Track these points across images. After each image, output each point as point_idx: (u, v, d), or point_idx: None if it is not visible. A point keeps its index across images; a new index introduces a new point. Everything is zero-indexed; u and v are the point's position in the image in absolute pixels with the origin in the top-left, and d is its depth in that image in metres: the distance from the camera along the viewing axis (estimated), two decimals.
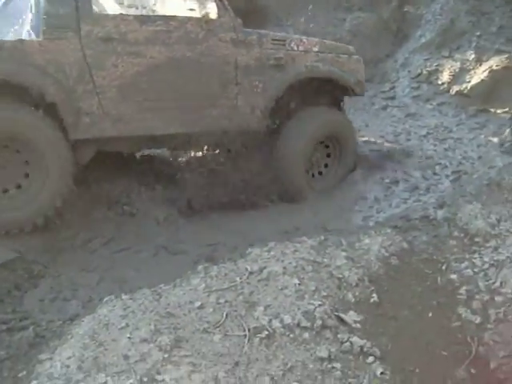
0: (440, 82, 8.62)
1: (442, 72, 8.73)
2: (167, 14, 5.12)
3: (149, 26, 5.02)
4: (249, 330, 3.54)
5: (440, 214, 5.03)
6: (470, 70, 8.49)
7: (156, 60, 5.03)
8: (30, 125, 4.54)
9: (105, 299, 3.97)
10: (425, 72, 8.89)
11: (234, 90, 5.48)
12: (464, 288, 4.12)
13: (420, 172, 6.55)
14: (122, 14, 4.96)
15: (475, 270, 4.28)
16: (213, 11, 5.28)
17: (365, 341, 3.56)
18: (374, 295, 3.98)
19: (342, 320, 3.73)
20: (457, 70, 8.56)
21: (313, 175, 6.25)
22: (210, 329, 3.55)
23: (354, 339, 3.56)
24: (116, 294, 4.05)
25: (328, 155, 6.31)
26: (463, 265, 4.34)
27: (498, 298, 3.99)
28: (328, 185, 6.21)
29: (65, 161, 4.76)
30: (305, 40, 6.06)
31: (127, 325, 3.55)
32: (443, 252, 4.52)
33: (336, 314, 3.75)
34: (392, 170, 6.58)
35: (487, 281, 4.16)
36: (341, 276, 4.09)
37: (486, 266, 4.30)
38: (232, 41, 5.41)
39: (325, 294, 3.92)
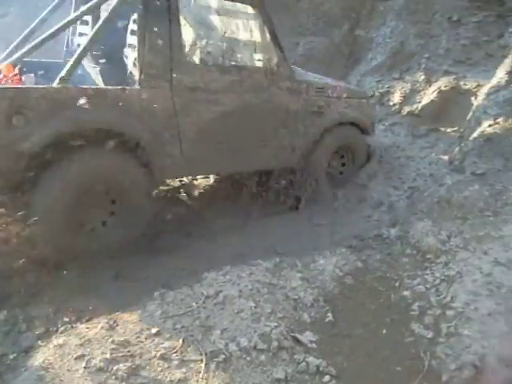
0: (391, 103, 8.83)
1: (393, 93, 8.96)
2: (239, 64, 5.49)
3: (226, 75, 5.38)
4: (206, 355, 3.55)
5: (393, 232, 5.17)
6: (420, 91, 8.73)
7: (228, 107, 5.39)
8: (124, 170, 4.82)
9: (60, 329, 3.94)
10: (377, 94, 9.10)
11: (283, 132, 5.97)
12: (416, 304, 4.23)
13: (381, 189, 6.68)
14: (207, 64, 5.27)
15: (427, 285, 4.40)
16: (274, 61, 5.71)
17: (320, 360, 3.62)
18: (329, 315, 4.05)
19: (298, 341, 3.78)
20: (407, 91, 8.80)
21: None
22: (167, 355, 3.56)
23: (310, 359, 3.61)
24: (72, 324, 4.03)
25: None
26: (415, 281, 4.46)
27: (449, 312, 4.10)
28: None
29: (149, 200, 5.05)
30: (338, 87, 6.58)
31: (83, 354, 3.53)
32: (396, 269, 4.64)
33: (292, 334, 3.80)
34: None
35: (438, 296, 4.28)
36: (296, 297, 4.15)
37: (438, 281, 4.42)
38: (287, 89, 5.89)
39: (281, 315, 3.98)
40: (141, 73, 4.86)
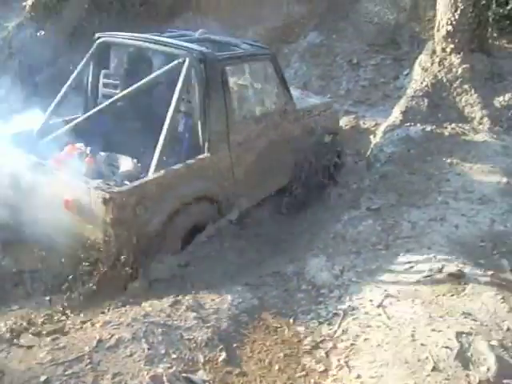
0: None
1: None
2: (264, 111, 6.48)
3: (259, 124, 6.34)
4: None
5: (290, 268, 5.27)
6: None
7: (261, 148, 6.33)
8: (211, 215, 5.78)
9: None
10: None
11: (290, 155, 6.88)
12: (309, 338, 4.32)
13: None
14: (246, 119, 6.23)
15: (320, 320, 4.51)
16: (284, 101, 6.72)
17: None
18: (223, 353, 4.06)
19: (191, 381, 3.77)
20: None
21: None
22: None
23: None
24: None
25: None
26: (309, 316, 4.56)
27: (340, 345, 4.22)
28: None
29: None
30: (320, 105, 7.65)
31: None
32: (292, 305, 4.73)
33: (184, 375, 3.79)
34: None
35: (330, 329, 4.40)
36: (191, 337, 4.15)
37: (330, 315, 4.54)
38: (293, 120, 6.86)
39: (175, 356, 3.95)
40: (208, 141, 5.65)
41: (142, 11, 10.45)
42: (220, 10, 10.53)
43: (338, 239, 5.62)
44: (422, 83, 8.85)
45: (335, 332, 4.35)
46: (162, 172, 5.17)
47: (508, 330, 4.35)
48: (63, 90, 6.17)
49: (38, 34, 9.03)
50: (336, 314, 4.53)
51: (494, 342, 4.20)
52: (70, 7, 9.50)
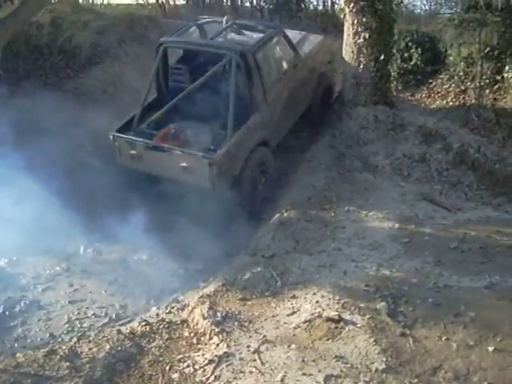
0: None
1: None
2: (284, 70, 8.78)
3: (281, 82, 8.63)
4: None
5: (178, 315, 5.35)
6: None
7: (285, 97, 8.67)
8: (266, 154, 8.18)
9: None
10: None
11: (303, 91, 9.14)
12: None
13: None
14: (274, 82, 8.52)
15: (196, 367, 4.60)
16: (293, 57, 8.95)
17: None
18: None
19: None
20: None
21: None
22: None
23: None
24: None
25: None
26: (185, 363, 4.65)
27: None
28: None
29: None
30: (316, 46, 9.74)
31: None
32: (171, 353, 4.81)
33: None
34: None
35: (204, 376, 4.48)
36: None
37: (206, 362, 4.63)
38: (300, 66, 9.03)
39: None
40: (255, 105, 7.98)
41: (60, 60, 10.56)
42: (139, 60, 10.73)
43: (228, 286, 5.74)
44: (329, 133, 9.22)
45: (208, 379, 4.44)
46: (236, 135, 7.55)
47: (376, 371, 4.55)
48: (147, 86, 8.20)
49: None
50: (212, 361, 4.62)
51: None
52: None
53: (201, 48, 8.48)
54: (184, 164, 7.37)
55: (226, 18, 8.94)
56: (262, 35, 8.48)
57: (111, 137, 7.83)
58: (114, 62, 10.76)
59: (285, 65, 8.80)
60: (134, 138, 7.77)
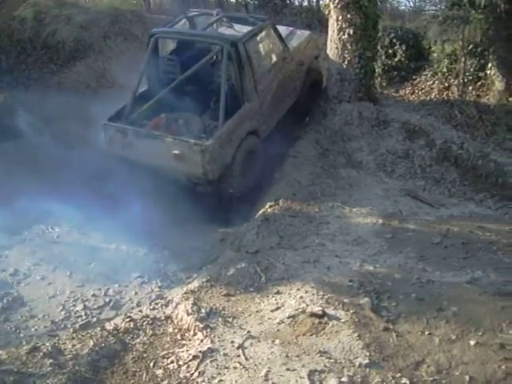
0: None
1: None
2: (273, 62, 8.90)
3: (270, 73, 8.74)
4: None
5: (162, 312, 5.35)
6: None
7: (274, 89, 8.76)
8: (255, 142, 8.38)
9: None
10: None
11: (291, 84, 9.30)
12: (165, 382, 4.40)
13: None
14: (264, 73, 8.59)
15: (180, 363, 4.60)
16: (282, 50, 9.04)
17: None
18: None
19: None
20: None
21: None
22: None
23: None
24: None
25: None
26: (169, 359, 4.64)
27: None
28: None
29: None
30: (304, 40, 9.81)
31: None
32: (155, 349, 4.81)
33: None
34: None
35: (188, 372, 4.49)
36: None
37: (190, 357, 4.64)
38: (289, 60, 9.13)
39: None
40: (246, 95, 8.12)
41: (43, 55, 10.48)
42: (123, 56, 10.68)
43: (212, 282, 5.74)
44: (313, 129, 9.25)
45: (192, 374, 4.45)
46: (227, 124, 7.71)
47: (359, 365, 4.58)
48: (139, 77, 8.22)
49: None
50: (196, 357, 4.63)
51: (344, 379, 4.41)
52: None
53: (192, 38, 8.67)
54: (176, 151, 7.50)
55: (216, 10, 9.17)
56: (252, 27, 8.63)
57: (102, 125, 7.92)
58: (97, 57, 10.71)
59: (274, 57, 8.95)
60: (125, 125, 7.91)
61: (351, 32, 9.04)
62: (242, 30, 8.65)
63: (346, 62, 9.25)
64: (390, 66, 10.48)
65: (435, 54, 10.27)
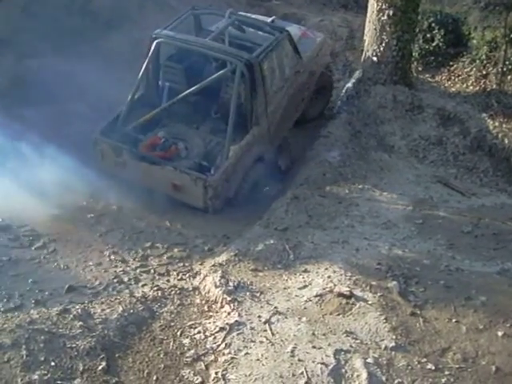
0: None
1: None
2: (286, 77, 8.07)
3: (282, 90, 7.99)
4: None
5: (190, 283, 5.38)
6: None
7: (283, 105, 8.03)
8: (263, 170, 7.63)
9: None
10: None
11: (300, 96, 8.53)
12: (192, 351, 4.44)
13: None
14: (276, 91, 7.82)
15: (206, 333, 4.64)
16: (296, 63, 8.23)
17: None
18: (103, 363, 4.15)
19: None
20: None
21: None
22: None
23: None
24: None
25: None
26: (196, 330, 4.69)
27: (220, 359, 4.35)
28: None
29: None
30: (316, 46, 8.95)
31: None
32: (183, 319, 4.85)
33: (59, 383, 3.84)
34: None
35: (215, 343, 4.52)
36: (73, 346, 4.22)
37: (217, 329, 4.67)
38: (301, 72, 8.37)
39: (53, 364, 4.02)
40: (255, 117, 7.35)
41: (79, 22, 10.45)
42: (158, 27, 10.62)
43: (240, 256, 5.75)
44: (346, 110, 9.15)
45: (218, 346, 4.48)
46: (233, 153, 7.02)
47: (385, 348, 4.58)
48: (136, 83, 7.47)
49: None
50: (223, 329, 4.66)
51: (369, 360, 4.42)
52: (2, 15, 9.45)
53: (201, 49, 7.50)
54: (176, 182, 6.89)
55: (228, 11, 8.14)
56: (268, 39, 7.76)
57: (93, 140, 7.21)
58: (133, 27, 10.63)
59: (287, 72, 8.15)
60: (120, 144, 7.15)
61: (391, 13, 8.87)
62: (256, 37, 7.91)
63: (383, 44, 9.10)
64: (428, 50, 10.25)
65: (474, 41, 10.02)
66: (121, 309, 4.74)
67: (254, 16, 8.93)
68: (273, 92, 7.72)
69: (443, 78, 10.11)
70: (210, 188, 6.82)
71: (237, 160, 7.09)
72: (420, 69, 10.21)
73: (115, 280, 5.45)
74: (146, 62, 7.50)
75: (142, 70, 7.49)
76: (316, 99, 9.18)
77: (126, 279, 5.48)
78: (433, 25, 10.30)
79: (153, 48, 7.49)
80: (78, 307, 4.68)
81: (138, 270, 5.69)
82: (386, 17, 8.92)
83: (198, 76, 7.44)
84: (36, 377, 3.83)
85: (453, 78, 10.05)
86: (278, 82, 7.90)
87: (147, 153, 7.13)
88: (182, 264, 5.85)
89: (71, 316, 4.51)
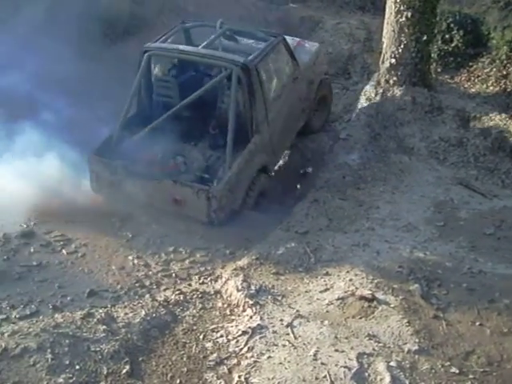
0: None
1: None
2: (283, 83, 7.80)
3: (281, 97, 7.71)
4: None
5: (211, 286, 5.40)
6: None
7: (284, 114, 7.77)
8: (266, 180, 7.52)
9: None
10: None
11: (301, 105, 8.34)
12: (215, 355, 4.45)
13: None
14: (275, 98, 7.57)
15: (229, 337, 4.65)
16: (292, 69, 8.02)
17: None
18: (127, 366, 4.18)
19: None
20: None
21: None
22: None
23: None
24: None
25: None
26: (219, 333, 4.70)
27: (243, 362, 4.36)
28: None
29: None
30: (313, 55, 8.80)
31: None
32: (205, 322, 4.87)
33: None
34: None
35: (237, 347, 4.53)
36: (98, 349, 4.26)
37: (239, 333, 4.68)
38: (299, 78, 8.16)
39: (78, 367, 4.06)
40: (256, 125, 7.08)
41: (97, 28, 10.55)
42: (176, 33, 10.68)
43: (262, 260, 5.76)
44: (365, 112, 9.13)
45: (241, 349, 4.49)
46: (236, 163, 6.70)
47: (408, 351, 4.56)
48: (128, 100, 7.16)
49: None
50: (245, 332, 4.67)
51: (392, 363, 4.40)
52: (22, 21, 9.58)
53: (194, 58, 7.26)
54: (177, 196, 6.57)
55: (219, 22, 7.76)
56: (262, 44, 7.55)
57: (87, 159, 6.91)
58: (150, 33, 10.68)
59: (285, 78, 7.89)
60: (115, 161, 6.81)
61: (409, 15, 8.82)
62: (250, 46, 7.72)
63: (401, 46, 9.05)
64: (446, 51, 10.18)
65: (494, 41, 9.92)
66: (143, 313, 4.77)
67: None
68: (272, 98, 7.46)
69: (463, 78, 10.04)
70: (214, 199, 6.48)
71: (239, 170, 6.78)
72: (439, 70, 10.13)
73: (137, 284, 5.48)
74: (137, 77, 7.20)
75: (134, 86, 7.20)
76: (317, 110, 9.02)
77: (147, 283, 5.52)
78: (451, 25, 10.22)
79: (143, 62, 7.17)
80: (101, 311, 4.73)
81: (159, 275, 5.72)
82: (404, 18, 8.87)
83: (194, 90, 7.01)
84: (61, 380, 3.87)
85: (472, 78, 9.97)
86: (277, 88, 7.63)
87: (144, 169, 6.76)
88: (203, 268, 5.85)
89: (95, 320, 4.56)
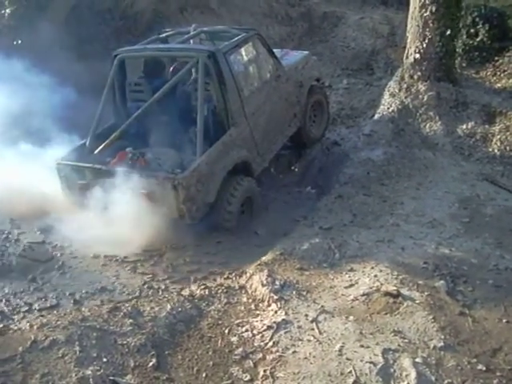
0: None
1: None
2: (264, 80, 7.61)
3: (262, 93, 7.50)
4: None
5: (236, 281, 5.42)
6: None
7: (268, 112, 7.57)
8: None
9: None
10: None
11: (290, 108, 8.19)
12: (240, 349, 4.47)
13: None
14: (253, 92, 7.35)
15: (254, 332, 4.67)
16: (275, 68, 7.88)
17: None
18: (154, 359, 4.22)
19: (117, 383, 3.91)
20: None
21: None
22: None
23: None
24: None
25: None
26: (244, 328, 4.72)
27: (269, 357, 4.37)
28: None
29: None
30: (301, 59, 8.78)
31: None
32: (230, 317, 4.89)
33: (111, 378, 3.93)
34: None
35: (262, 341, 4.55)
36: (124, 342, 4.30)
37: (265, 327, 4.69)
38: (284, 79, 8.04)
39: (105, 360, 4.11)
40: (231, 118, 6.80)
41: (121, 25, 10.66)
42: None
43: (286, 255, 5.76)
44: (388, 108, 9.08)
45: (266, 344, 4.50)
46: (207, 152, 6.32)
47: (434, 348, 4.53)
48: (100, 107, 6.93)
49: (15, 42, 9.22)
50: (270, 327, 4.68)
51: (418, 360, 4.37)
52: (48, 19, 9.70)
53: (161, 53, 7.36)
54: (143, 190, 6.04)
55: (193, 26, 7.75)
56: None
57: (56, 166, 6.56)
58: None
59: (265, 74, 7.69)
60: (82, 163, 6.49)
61: (434, 9, 8.75)
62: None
63: (426, 41, 8.98)
64: (472, 45, 10.08)
65: None
66: (169, 307, 4.81)
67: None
68: (249, 92, 7.21)
69: (488, 73, 9.92)
70: (181, 187, 5.95)
71: (211, 160, 6.33)
72: (464, 65, 10.03)
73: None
74: (108, 84, 7.01)
75: (105, 92, 6.99)
76: (315, 117, 8.95)
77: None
78: (477, 19, 10.11)
79: (114, 66, 7.01)
80: (127, 305, 4.77)
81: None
82: (428, 12, 8.81)
83: (168, 94, 6.83)
84: (89, 372, 3.91)
85: (498, 73, 9.85)
86: (255, 83, 7.44)
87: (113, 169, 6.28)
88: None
89: (121, 314, 4.61)
